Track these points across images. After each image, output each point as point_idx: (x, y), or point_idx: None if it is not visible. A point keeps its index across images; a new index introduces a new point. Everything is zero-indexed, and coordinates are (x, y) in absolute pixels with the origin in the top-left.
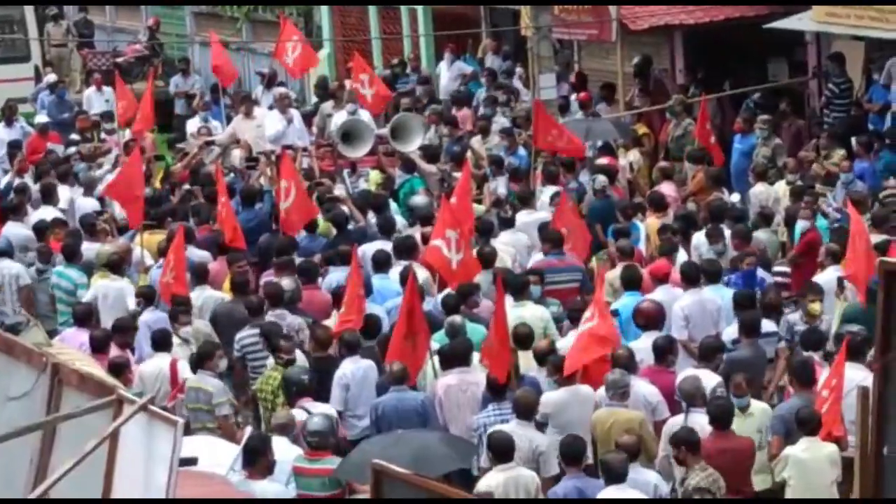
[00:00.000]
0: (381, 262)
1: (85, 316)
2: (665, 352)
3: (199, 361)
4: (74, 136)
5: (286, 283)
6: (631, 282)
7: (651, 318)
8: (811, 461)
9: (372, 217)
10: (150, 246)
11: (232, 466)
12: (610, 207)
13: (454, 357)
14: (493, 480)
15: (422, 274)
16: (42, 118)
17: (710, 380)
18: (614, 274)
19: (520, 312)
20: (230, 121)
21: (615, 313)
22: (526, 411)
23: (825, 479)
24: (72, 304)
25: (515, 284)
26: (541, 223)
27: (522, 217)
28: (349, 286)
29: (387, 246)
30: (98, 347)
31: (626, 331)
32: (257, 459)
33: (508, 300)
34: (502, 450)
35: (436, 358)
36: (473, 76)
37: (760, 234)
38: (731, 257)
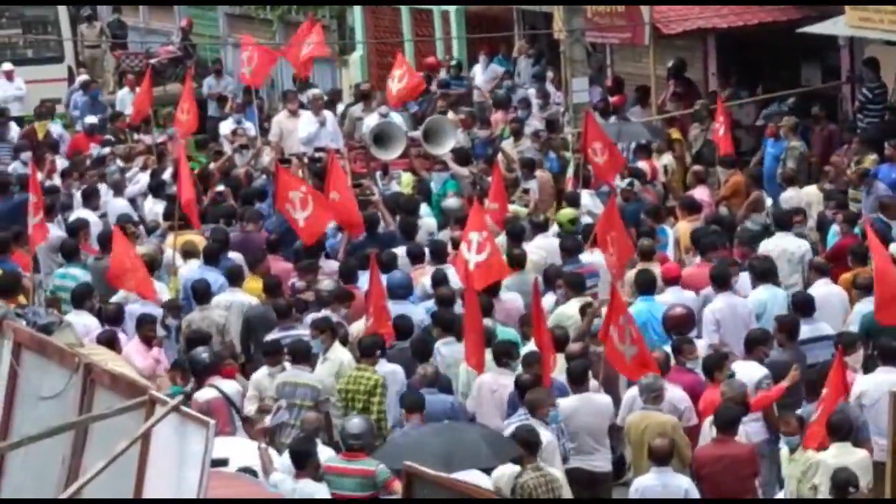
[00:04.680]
0: (386, 265)
1: (82, 298)
2: (678, 351)
3: (296, 358)
4: (109, 137)
5: (326, 283)
6: (645, 285)
7: (680, 324)
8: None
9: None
10: (178, 246)
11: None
12: (641, 210)
13: (494, 357)
14: (505, 471)
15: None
16: (91, 118)
17: (755, 372)
18: (631, 274)
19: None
20: (265, 121)
21: None
22: (532, 410)
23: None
24: None
25: (574, 282)
26: (584, 226)
27: None
28: (372, 296)
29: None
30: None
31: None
32: (308, 461)
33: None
34: (527, 445)
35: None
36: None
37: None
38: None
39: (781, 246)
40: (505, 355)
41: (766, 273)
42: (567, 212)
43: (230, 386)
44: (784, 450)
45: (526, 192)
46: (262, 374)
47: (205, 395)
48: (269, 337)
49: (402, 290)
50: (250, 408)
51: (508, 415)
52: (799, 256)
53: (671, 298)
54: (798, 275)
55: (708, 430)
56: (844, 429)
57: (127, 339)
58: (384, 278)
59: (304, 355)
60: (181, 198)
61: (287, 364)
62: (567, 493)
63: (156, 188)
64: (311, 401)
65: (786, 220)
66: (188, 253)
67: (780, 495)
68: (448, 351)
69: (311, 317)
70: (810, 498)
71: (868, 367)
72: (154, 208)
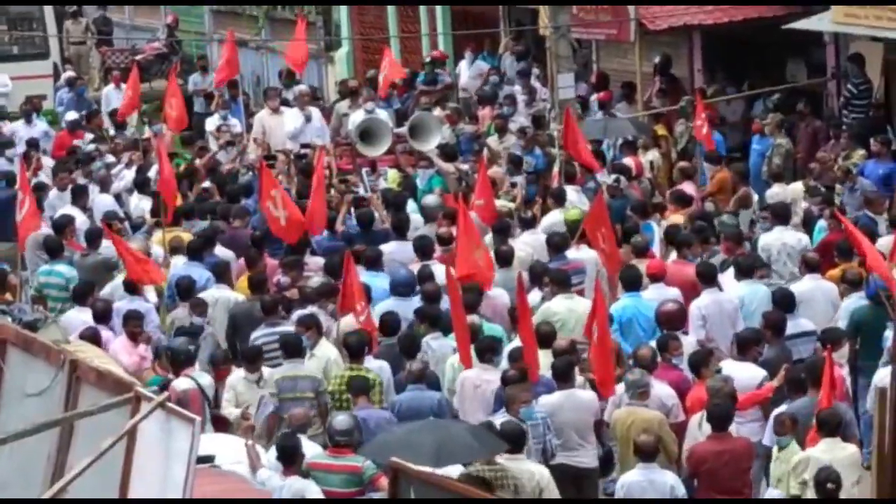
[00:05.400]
0: (370, 261)
1: (84, 294)
2: (663, 348)
3: (289, 352)
4: (89, 135)
5: (315, 280)
6: (631, 281)
7: (672, 319)
8: (832, 462)
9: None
10: (163, 243)
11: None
12: (626, 206)
13: (477, 353)
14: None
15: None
16: (73, 115)
17: (754, 374)
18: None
19: (570, 304)
20: (249, 117)
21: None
22: (507, 406)
23: (846, 480)
24: (64, 300)
25: (559, 279)
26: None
27: (554, 216)
28: (355, 293)
29: (403, 246)
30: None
31: (626, 332)
32: (295, 458)
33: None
34: (511, 439)
35: (456, 356)
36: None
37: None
38: (721, 260)
39: (782, 240)
40: (488, 351)
41: (748, 269)
42: (574, 212)
43: (205, 379)
44: (773, 448)
45: (514, 186)
46: (237, 377)
47: (182, 384)
48: (256, 333)
49: (405, 288)
50: (229, 410)
51: (494, 410)
52: (799, 250)
53: (654, 295)
54: (797, 269)
55: (696, 427)
56: (832, 424)
57: (114, 336)
58: (374, 275)
59: (297, 349)
60: (162, 193)
61: (265, 368)
62: (552, 488)
63: (141, 184)
64: (312, 391)
65: (784, 214)
66: (175, 249)
67: (775, 494)
68: (438, 345)
69: (297, 313)
70: (809, 498)
71: (854, 363)
72: (140, 204)
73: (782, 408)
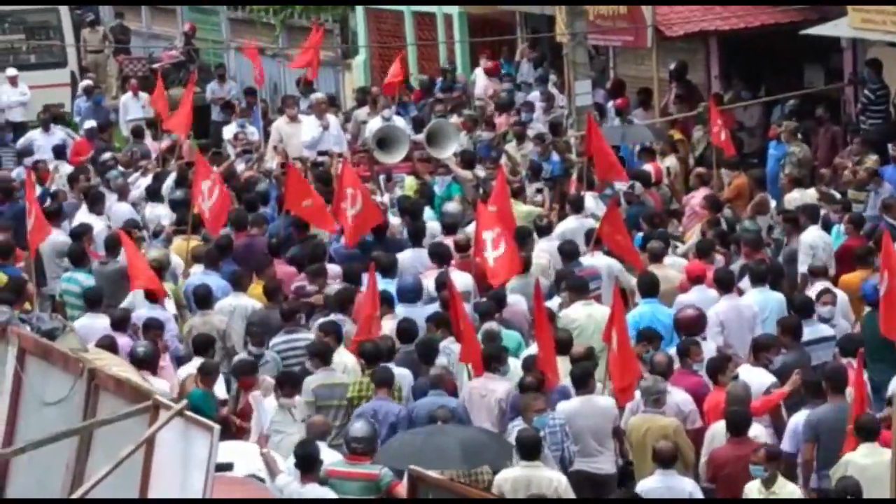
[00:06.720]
0: (386, 269)
1: (96, 300)
2: (685, 353)
3: (324, 359)
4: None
5: (335, 287)
6: (648, 287)
7: (692, 325)
8: (872, 467)
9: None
10: (181, 251)
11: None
12: (641, 213)
13: (484, 361)
14: (509, 474)
15: (465, 280)
16: (91, 123)
17: (764, 379)
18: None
19: (590, 311)
20: (267, 125)
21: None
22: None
23: (886, 485)
24: (81, 308)
25: (577, 285)
26: (588, 230)
27: (570, 223)
28: (365, 304)
29: (419, 253)
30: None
31: None
32: (314, 465)
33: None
34: (528, 447)
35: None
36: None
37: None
38: (741, 265)
39: (824, 238)
40: (494, 360)
41: (762, 276)
42: None
43: (161, 384)
44: (755, 484)
45: (540, 191)
46: (270, 406)
47: None
48: (275, 340)
49: (412, 294)
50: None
51: (511, 419)
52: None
53: (695, 297)
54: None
55: (723, 435)
56: (871, 429)
57: (131, 343)
58: (390, 283)
59: (328, 356)
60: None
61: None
62: (570, 495)
63: (154, 192)
64: (345, 399)
65: (814, 214)
66: (197, 258)
67: None
68: (458, 349)
69: (319, 321)
70: (814, 498)
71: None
72: (155, 212)
73: (801, 414)
